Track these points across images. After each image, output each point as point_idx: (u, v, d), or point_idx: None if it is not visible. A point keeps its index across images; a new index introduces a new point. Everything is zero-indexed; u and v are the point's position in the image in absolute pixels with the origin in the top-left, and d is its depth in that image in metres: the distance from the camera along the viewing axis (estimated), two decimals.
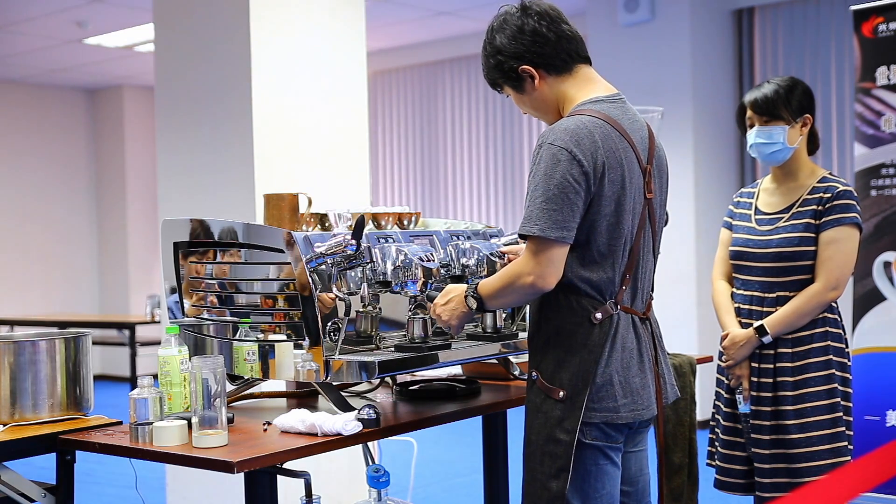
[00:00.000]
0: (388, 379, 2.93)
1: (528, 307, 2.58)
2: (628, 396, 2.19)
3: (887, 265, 4.09)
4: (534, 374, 2.23)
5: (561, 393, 2.16)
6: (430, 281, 2.53)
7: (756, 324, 2.95)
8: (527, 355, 2.30)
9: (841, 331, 2.99)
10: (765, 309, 2.97)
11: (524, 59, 2.24)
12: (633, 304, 2.25)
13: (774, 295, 2.97)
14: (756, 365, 2.97)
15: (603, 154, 2.13)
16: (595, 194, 2.13)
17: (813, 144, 3.07)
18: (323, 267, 2.46)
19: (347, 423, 2.29)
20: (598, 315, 2.16)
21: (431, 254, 2.57)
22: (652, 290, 2.34)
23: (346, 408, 2.45)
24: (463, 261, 2.68)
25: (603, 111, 2.20)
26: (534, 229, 2.10)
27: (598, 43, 7.17)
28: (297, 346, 2.49)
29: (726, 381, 3.08)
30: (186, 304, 2.80)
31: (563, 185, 2.09)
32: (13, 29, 7.86)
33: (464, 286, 2.34)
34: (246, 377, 2.69)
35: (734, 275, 3.10)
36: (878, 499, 3.78)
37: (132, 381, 7.96)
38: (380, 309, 2.65)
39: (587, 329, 2.17)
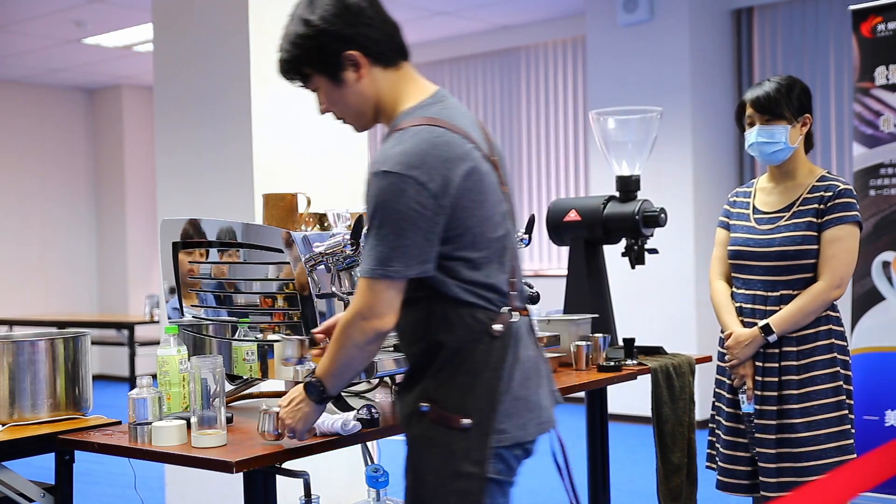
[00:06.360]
0: (387, 378, 2.93)
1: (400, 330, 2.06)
2: (534, 410, 1.99)
3: (886, 265, 4.09)
4: (423, 405, 1.95)
5: (463, 421, 1.91)
6: None
7: (761, 322, 2.94)
8: None
9: (843, 329, 3.00)
10: (768, 308, 2.96)
11: (351, 42, 1.96)
12: (521, 301, 2.06)
13: (778, 294, 2.96)
14: (761, 364, 2.96)
15: (450, 165, 1.90)
16: (455, 207, 1.90)
17: (808, 144, 3.08)
18: (322, 267, 2.46)
19: (346, 422, 2.28)
20: (497, 326, 1.95)
21: None
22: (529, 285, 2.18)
23: (345, 407, 2.45)
24: None
25: (435, 116, 1.95)
26: (377, 271, 1.87)
27: (598, 43, 7.17)
28: None
29: (728, 382, 3.06)
30: (185, 304, 2.80)
31: (410, 215, 1.85)
32: (12, 29, 7.86)
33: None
34: (245, 377, 2.69)
35: (734, 274, 3.08)
36: (878, 499, 3.78)
37: (131, 381, 7.96)
38: None
39: (487, 344, 1.94)
